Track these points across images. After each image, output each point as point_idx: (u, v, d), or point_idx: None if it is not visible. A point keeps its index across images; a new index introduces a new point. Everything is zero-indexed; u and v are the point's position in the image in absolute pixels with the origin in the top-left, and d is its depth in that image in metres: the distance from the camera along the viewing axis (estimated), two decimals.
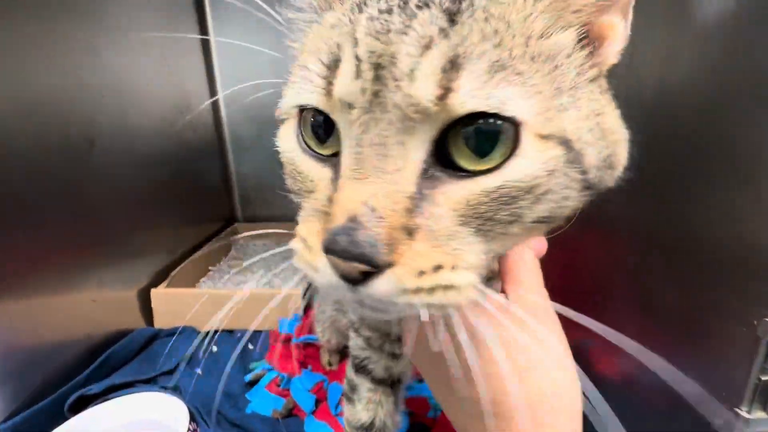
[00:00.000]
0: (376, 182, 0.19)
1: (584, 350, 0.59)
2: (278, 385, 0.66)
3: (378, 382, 0.42)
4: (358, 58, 0.19)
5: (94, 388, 0.61)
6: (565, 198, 0.21)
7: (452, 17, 0.20)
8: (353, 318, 0.42)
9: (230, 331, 0.85)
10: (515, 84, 0.19)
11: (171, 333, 0.81)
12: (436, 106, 0.19)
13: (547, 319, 0.26)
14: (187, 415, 0.56)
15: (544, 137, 0.20)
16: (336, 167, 0.22)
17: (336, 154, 0.22)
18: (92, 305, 0.73)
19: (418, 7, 0.20)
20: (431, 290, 0.19)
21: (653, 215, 0.45)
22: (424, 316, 0.20)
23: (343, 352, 0.69)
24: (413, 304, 0.19)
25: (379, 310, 0.21)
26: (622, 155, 0.24)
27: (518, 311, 0.22)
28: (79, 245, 0.71)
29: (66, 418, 0.56)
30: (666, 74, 0.42)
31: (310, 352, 0.73)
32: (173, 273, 0.90)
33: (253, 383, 0.68)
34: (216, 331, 0.87)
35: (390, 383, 0.43)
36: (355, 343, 0.42)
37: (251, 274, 1.10)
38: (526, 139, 0.19)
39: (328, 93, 0.20)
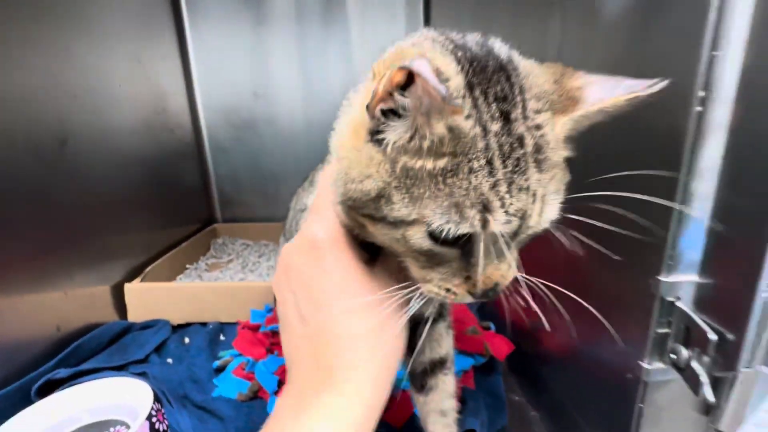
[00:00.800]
0: (503, 264, 0.29)
1: (535, 330, 0.63)
2: (244, 370, 0.68)
3: None
4: (507, 213, 0.26)
5: (62, 373, 0.63)
6: None
7: (539, 165, 0.27)
8: None
9: (203, 324, 0.87)
10: (559, 197, 0.29)
11: (144, 326, 0.83)
12: (538, 226, 0.28)
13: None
14: (151, 396, 0.58)
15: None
16: (461, 251, 0.29)
17: (455, 243, 0.28)
18: (64, 299, 0.74)
19: (537, 168, 0.27)
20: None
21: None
22: None
23: None
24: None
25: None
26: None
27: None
28: (49, 243, 0.72)
29: (32, 403, 0.58)
30: (583, 69, 0.46)
31: (277, 340, 0.75)
32: (148, 269, 0.92)
33: (220, 370, 0.71)
34: (189, 324, 0.89)
35: None
36: None
37: (228, 271, 1.13)
38: None
39: (484, 228, 0.26)
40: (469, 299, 0.30)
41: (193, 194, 1.33)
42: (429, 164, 0.26)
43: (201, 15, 1.22)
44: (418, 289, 0.32)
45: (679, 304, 0.36)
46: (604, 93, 0.28)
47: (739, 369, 0.34)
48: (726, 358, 0.33)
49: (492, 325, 0.75)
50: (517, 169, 0.26)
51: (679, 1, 0.34)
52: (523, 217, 0.27)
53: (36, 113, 0.72)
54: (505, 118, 0.27)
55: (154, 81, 1.11)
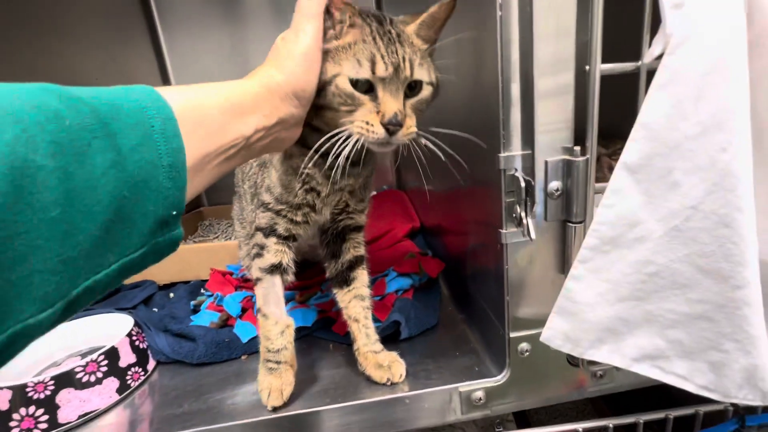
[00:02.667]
0: (397, 102, 0.46)
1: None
2: (216, 304, 0.78)
3: (282, 238, 0.57)
4: (385, 63, 0.45)
5: None
6: (430, 100, 0.51)
7: (402, 44, 0.47)
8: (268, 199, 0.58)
9: (186, 282, 0.97)
10: (422, 68, 0.48)
11: (133, 286, 0.94)
12: (410, 77, 0.47)
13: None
14: (132, 321, 0.68)
15: (428, 83, 0.49)
16: (371, 97, 0.47)
17: (366, 92, 0.46)
18: None
19: (397, 40, 0.47)
20: (409, 134, 0.47)
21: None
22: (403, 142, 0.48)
23: None
24: (405, 140, 0.47)
25: (391, 144, 0.48)
26: (439, 79, 0.52)
27: None
28: None
29: None
30: (477, 74, 0.55)
31: (245, 282, 0.86)
32: None
33: (196, 310, 0.81)
34: (173, 283, 0.99)
35: (291, 239, 0.58)
36: (264, 219, 0.57)
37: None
38: (425, 86, 0.49)
39: (373, 72, 0.45)
40: (381, 130, 0.46)
41: None
42: (343, 42, 0.46)
43: (171, 15, 1.33)
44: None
45: (516, 174, 0.46)
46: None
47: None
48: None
49: (429, 252, 0.84)
50: (389, 42, 0.46)
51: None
52: (397, 67, 0.46)
53: None
54: (379, 23, 0.48)
55: (130, 78, 1.22)
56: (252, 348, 0.69)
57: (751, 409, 0.57)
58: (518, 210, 0.45)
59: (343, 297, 0.60)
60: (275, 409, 0.53)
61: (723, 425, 0.57)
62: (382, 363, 0.56)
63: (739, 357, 0.43)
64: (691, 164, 0.38)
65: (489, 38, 0.46)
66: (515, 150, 0.45)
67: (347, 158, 0.46)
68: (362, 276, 0.60)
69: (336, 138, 0.47)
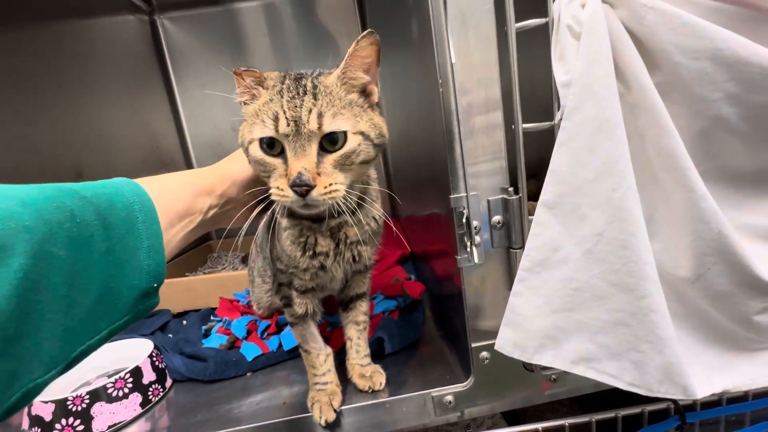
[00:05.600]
0: (302, 160, 0.47)
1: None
2: (224, 328, 0.88)
3: (303, 293, 0.65)
4: (286, 118, 0.47)
5: None
6: (368, 152, 0.51)
7: (315, 96, 0.48)
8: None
9: (197, 310, 1.08)
10: (342, 118, 0.48)
11: (150, 315, 1.04)
12: (318, 131, 0.47)
13: None
14: (152, 345, 0.79)
15: (354, 133, 0.49)
16: (283, 159, 0.49)
17: (280, 154, 0.49)
18: None
19: (304, 93, 0.48)
20: (329, 192, 0.48)
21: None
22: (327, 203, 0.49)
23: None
24: (324, 200, 0.48)
25: (313, 206, 0.49)
26: (385, 130, 0.53)
27: None
28: None
29: None
30: (414, 106, 0.68)
31: (249, 309, 0.96)
32: None
33: (207, 334, 0.91)
34: (186, 312, 1.10)
35: (311, 291, 0.65)
36: (283, 278, 0.65)
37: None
38: (350, 136, 0.49)
39: (276, 130, 0.47)
40: (290, 193, 0.47)
41: None
42: (255, 105, 0.50)
43: (184, 68, 1.49)
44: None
45: (463, 211, 0.56)
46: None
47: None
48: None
49: (413, 276, 0.94)
50: (294, 97, 0.47)
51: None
52: (297, 121, 0.46)
53: (57, 154, 0.97)
54: (297, 80, 0.50)
55: (148, 125, 1.38)
56: (256, 366, 0.78)
57: (690, 407, 0.65)
58: (466, 240, 0.56)
59: (343, 320, 0.71)
60: (327, 424, 0.61)
61: (665, 422, 0.64)
62: (365, 373, 0.66)
63: (655, 356, 0.52)
64: (593, 200, 0.49)
65: (435, 90, 0.56)
66: (461, 192, 0.56)
67: (306, 217, 0.54)
68: (361, 306, 0.70)
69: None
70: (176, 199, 0.49)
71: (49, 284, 0.31)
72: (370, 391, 0.64)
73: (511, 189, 0.55)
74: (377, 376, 0.65)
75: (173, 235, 0.47)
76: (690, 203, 0.50)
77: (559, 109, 0.52)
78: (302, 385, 0.71)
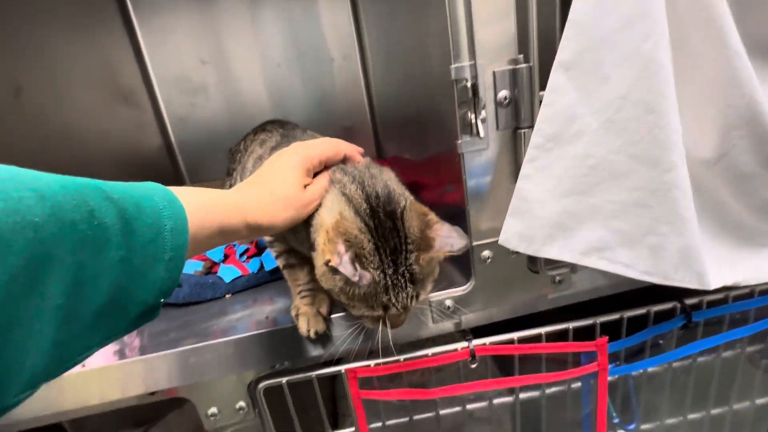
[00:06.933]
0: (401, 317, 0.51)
1: None
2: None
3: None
4: (396, 308, 0.49)
5: None
6: None
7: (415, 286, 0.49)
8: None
9: None
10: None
11: None
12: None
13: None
14: None
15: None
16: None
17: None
18: None
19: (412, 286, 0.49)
20: None
21: None
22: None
23: None
24: None
25: None
26: None
27: None
28: None
29: None
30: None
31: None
32: None
33: None
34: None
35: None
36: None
37: None
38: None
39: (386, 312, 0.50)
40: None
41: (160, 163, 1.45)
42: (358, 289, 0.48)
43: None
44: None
45: (466, 84, 0.49)
46: (442, 245, 0.48)
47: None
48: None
49: None
50: (399, 289, 0.48)
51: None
52: (405, 307, 0.49)
53: None
54: (395, 263, 0.48)
55: (103, 55, 1.23)
56: (235, 287, 0.72)
57: (696, 306, 0.62)
58: (470, 116, 0.49)
59: None
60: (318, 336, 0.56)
61: (671, 321, 0.62)
62: None
63: (674, 239, 0.48)
64: (619, 54, 0.42)
65: None
66: (464, 61, 0.49)
67: None
68: None
69: None
70: (207, 218, 0.40)
71: (44, 291, 0.26)
72: None
73: (520, 57, 0.48)
74: None
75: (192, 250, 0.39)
76: (722, 63, 0.44)
77: None
78: (288, 302, 0.65)
